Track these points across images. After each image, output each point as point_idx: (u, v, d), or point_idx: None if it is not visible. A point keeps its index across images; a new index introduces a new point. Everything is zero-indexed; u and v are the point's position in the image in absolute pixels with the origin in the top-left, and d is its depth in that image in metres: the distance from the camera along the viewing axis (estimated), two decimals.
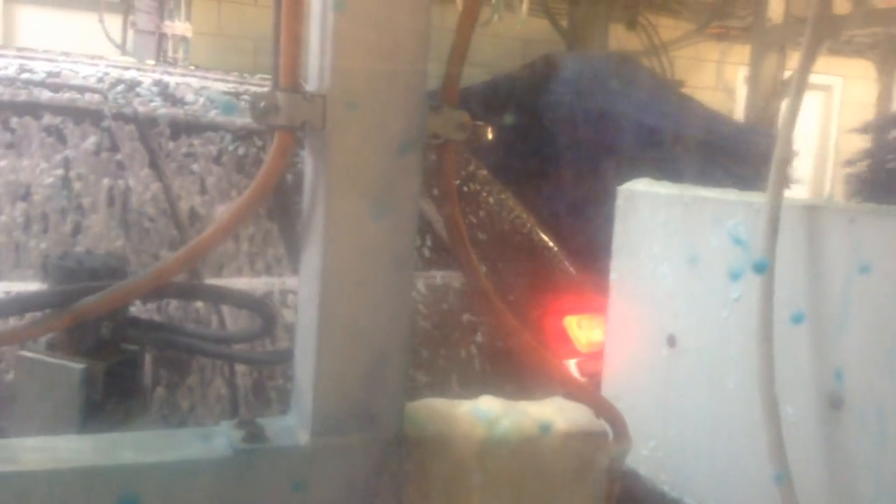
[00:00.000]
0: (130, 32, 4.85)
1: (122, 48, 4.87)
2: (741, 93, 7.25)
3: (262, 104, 1.08)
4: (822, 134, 8.01)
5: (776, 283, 1.52)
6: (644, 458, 1.92)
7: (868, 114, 7.79)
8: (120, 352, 1.60)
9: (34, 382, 1.54)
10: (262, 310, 1.56)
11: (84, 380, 1.50)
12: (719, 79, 7.47)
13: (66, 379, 1.51)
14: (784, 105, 1.56)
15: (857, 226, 1.45)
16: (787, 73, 6.66)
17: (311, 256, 1.16)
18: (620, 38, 6.81)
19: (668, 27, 7.02)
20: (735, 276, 1.70)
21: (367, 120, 1.10)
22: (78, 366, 1.49)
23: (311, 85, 1.12)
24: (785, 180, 1.53)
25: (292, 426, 1.16)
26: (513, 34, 6.41)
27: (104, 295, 1.14)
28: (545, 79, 4.64)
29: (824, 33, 1.63)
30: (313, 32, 1.12)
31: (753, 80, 6.72)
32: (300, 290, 1.21)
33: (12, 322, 1.37)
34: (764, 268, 1.38)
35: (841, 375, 1.46)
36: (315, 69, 1.12)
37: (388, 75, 1.10)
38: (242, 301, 1.61)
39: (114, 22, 4.99)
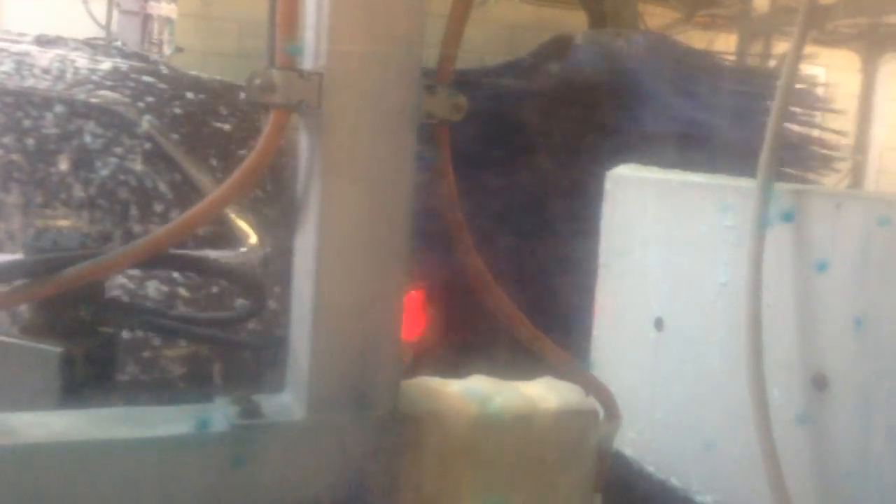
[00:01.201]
0: (115, 13, 4.80)
1: (106, 29, 4.82)
2: None
3: (258, 82, 1.08)
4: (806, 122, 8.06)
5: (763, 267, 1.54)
6: (631, 439, 1.94)
7: (850, 104, 7.84)
8: (97, 334, 1.58)
9: (9, 367, 1.52)
10: (253, 288, 1.56)
11: (62, 363, 1.47)
12: None
13: (43, 363, 1.48)
14: (775, 95, 1.57)
15: (843, 209, 1.47)
16: (772, 63, 6.70)
17: (306, 235, 1.16)
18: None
19: (655, 15, 7.04)
20: (722, 259, 1.72)
21: (362, 99, 1.11)
22: (56, 349, 1.46)
23: (307, 63, 1.12)
24: (775, 165, 1.55)
25: (288, 403, 1.17)
26: (500, 20, 6.41)
27: (89, 264, 1.12)
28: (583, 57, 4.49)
29: (815, 21, 1.64)
30: (309, 10, 1.12)
31: None
32: (295, 268, 1.21)
33: None
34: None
35: (825, 357, 1.49)
36: (311, 47, 1.12)
37: (383, 54, 1.11)
38: (232, 276, 1.60)
39: (99, 3, 4.94)
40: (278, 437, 1.12)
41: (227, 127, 2.68)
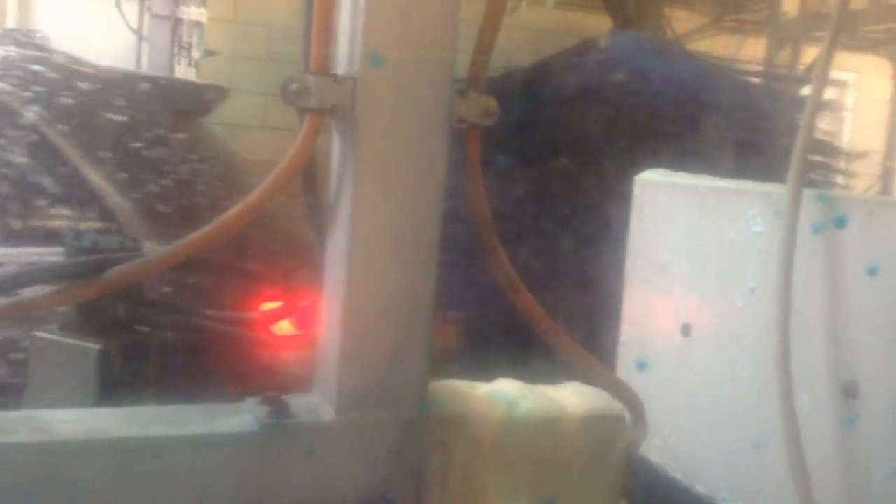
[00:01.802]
0: (146, 17, 4.87)
1: (138, 33, 4.89)
2: None
3: (294, 86, 1.09)
4: (837, 128, 7.99)
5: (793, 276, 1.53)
6: (657, 446, 1.93)
7: (882, 110, 7.75)
8: (133, 332, 1.61)
9: (48, 363, 1.55)
10: (285, 290, 1.57)
11: (100, 359, 1.50)
12: None
13: (81, 359, 1.52)
14: (806, 98, 1.56)
15: (875, 219, 1.46)
16: (801, 68, 6.64)
17: (338, 238, 1.17)
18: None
19: (682, 20, 6.99)
20: (751, 265, 1.71)
21: (395, 103, 1.12)
22: (94, 346, 1.50)
23: (341, 68, 1.14)
24: (805, 172, 1.54)
25: (316, 403, 1.18)
26: (527, 25, 6.40)
27: (132, 266, 1.15)
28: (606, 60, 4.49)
29: (844, 26, 1.63)
30: (344, 16, 1.14)
31: None
32: (325, 270, 1.22)
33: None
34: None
35: (856, 365, 1.48)
36: (345, 52, 1.13)
37: (416, 60, 1.12)
38: (265, 280, 1.63)
39: (131, 6, 5.01)
40: (307, 437, 1.13)
41: (121, 118, 2.52)
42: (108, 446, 1.05)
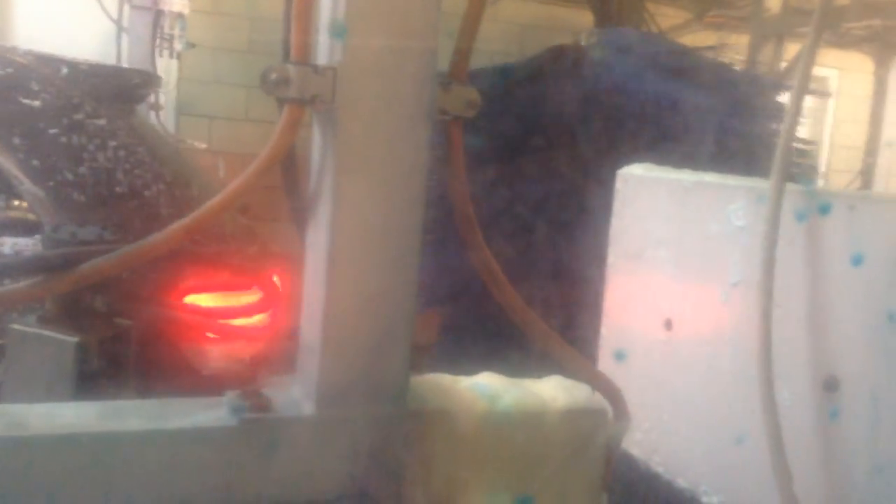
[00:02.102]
0: (127, 8, 4.81)
1: (118, 24, 4.83)
2: None
3: (274, 76, 1.08)
4: (818, 124, 8.04)
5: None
6: (638, 440, 1.93)
7: (863, 106, 7.81)
8: (112, 325, 1.60)
9: (27, 355, 1.54)
10: (263, 283, 1.56)
11: (78, 353, 1.49)
12: None
13: (59, 352, 1.51)
14: (789, 94, 1.56)
15: (856, 213, 1.47)
16: (783, 64, 6.67)
17: (319, 230, 1.16)
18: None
19: (666, 16, 7.01)
20: (733, 259, 1.71)
21: (376, 94, 1.11)
22: (72, 339, 1.49)
23: (321, 58, 1.13)
24: (789, 166, 1.54)
25: (297, 397, 1.17)
26: (511, 18, 6.40)
27: (108, 259, 1.13)
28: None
29: (829, 22, 1.64)
30: (324, 5, 1.12)
31: None
32: (306, 263, 1.21)
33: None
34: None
35: (836, 358, 1.48)
36: (326, 42, 1.12)
37: (398, 50, 1.11)
38: (243, 271, 1.61)
39: None
40: (287, 431, 1.12)
41: (36, 104, 2.41)
42: (84, 440, 1.04)
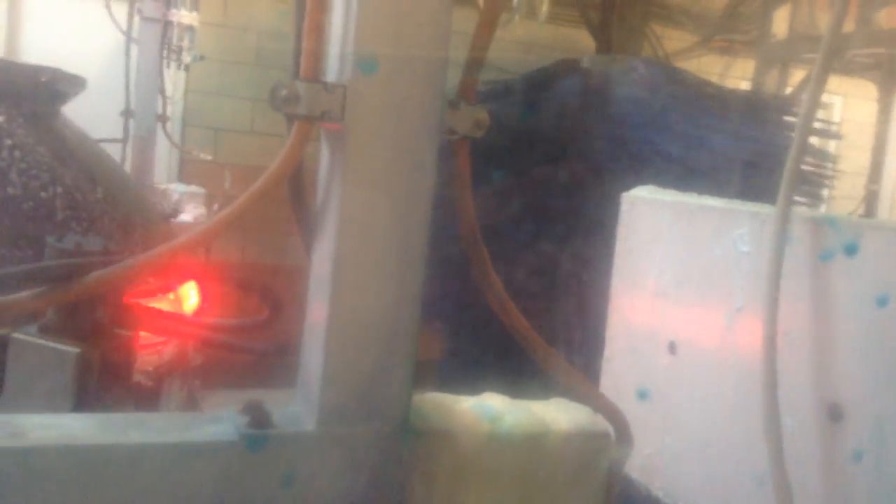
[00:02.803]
0: (136, 19, 4.84)
1: (127, 35, 4.85)
2: None
3: (284, 93, 1.08)
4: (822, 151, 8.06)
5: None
6: (639, 464, 1.92)
7: (867, 133, 7.83)
8: (113, 336, 1.59)
9: (27, 365, 1.53)
10: (269, 297, 1.56)
11: (79, 364, 1.48)
12: None
13: (60, 363, 1.50)
14: (796, 121, 1.56)
15: (864, 239, 1.46)
16: (789, 90, 6.69)
17: (324, 246, 1.16)
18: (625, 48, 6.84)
19: (672, 39, 7.04)
20: (738, 284, 1.71)
21: (385, 112, 1.11)
22: (73, 350, 1.48)
23: (331, 76, 1.13)
24: (793, 192, 1.54)
25: (298, 413, 1.16)
26: (520, 40, 6.43)
27: (112, 270, 1.13)
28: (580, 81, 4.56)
29: (838, 49, 1.63)
30: (335, 22, 1.13)
31: None
32: (310, 279, 1.21)
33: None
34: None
35: (840, 388, 1.47)
36: (335, 59, 1.12)
37: (408, 69, 1.11)
38: (246, 286, 1.61)
39: (120, 8, 4.98)
40: (287, 448, 1.11)
41: None
42: (83, 453, 1.03)
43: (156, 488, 1.05)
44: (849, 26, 6.28)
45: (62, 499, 1.02)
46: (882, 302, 1.41)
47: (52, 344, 1.51)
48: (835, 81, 7.40)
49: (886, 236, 1.44)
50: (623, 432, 1.30)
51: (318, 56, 1.10)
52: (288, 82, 1.09)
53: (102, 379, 1.56)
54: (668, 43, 6.99)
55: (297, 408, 1.18)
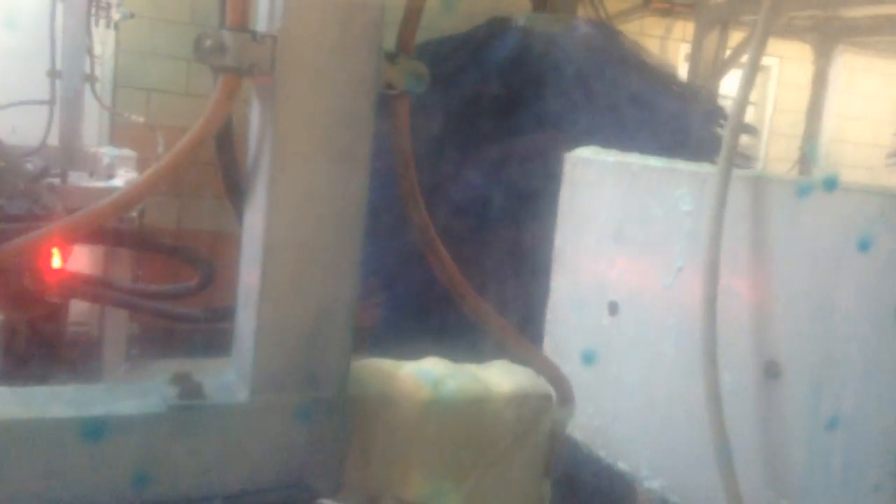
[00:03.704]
0: None
1: None
2: (683, 70, 7.33)
3: (208, 43, 1.02)
4: (759, 113, 8.18)
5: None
6: (582, 424, 1.93)
7: (802, 95, 7.97)
8: (43, 304, 1.53)
9: None
10: (198, 264, 1.50)
11: (4, 332, 1.43)
12: (662, 55, 7.54)
13: None
14: (738, 81, 1.55)
15: (803, 199, 1.47)
16: (727, 52, 6.75)
17: (256, 208, 1.11)
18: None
19: (613, 0, 7.03)
20: (679, 244, 1.71)
21: (318, 65, 1.05)
22: None
23: (260, 25, 1.07)
24: (735, 152, 1.54)
25: (231, 383, 1.12)
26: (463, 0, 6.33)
27: (26, 239, 1.06)
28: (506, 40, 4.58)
29: (779, 10, 1.63)
30: None
31: (695, 58, 6.81)
32: (243, 243, 1.16)
33: None
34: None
35: (778, 345, 1.49)
36: (265, 8, 1.06)
37: (342, 18, 1.05)
38: (177, 252, 1.55)
39: None
40: (220, 419, 1.07)
41: None
42: (2, 428, 0.97)
43: (80, 465, 1.00)
44: None
45: None
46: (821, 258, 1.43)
47: None
48: (772, 44, 7.49)
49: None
50: (565, 394, 1.29)
51: (245, 4, 1.04)
52: (213, 31, 1.03)
53: (30, 346, 1.50)
54: (610, 4, 6.98)
55: (230, 377, 1.14)
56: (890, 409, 1.30)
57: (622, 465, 1.86)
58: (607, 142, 2.05)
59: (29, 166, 2.67)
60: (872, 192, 1.36)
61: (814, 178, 1.48)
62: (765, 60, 7.86)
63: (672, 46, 7.60)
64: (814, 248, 1.43)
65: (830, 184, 1.40)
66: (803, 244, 1.45)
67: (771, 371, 1.50)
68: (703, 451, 1.52)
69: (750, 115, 8.18)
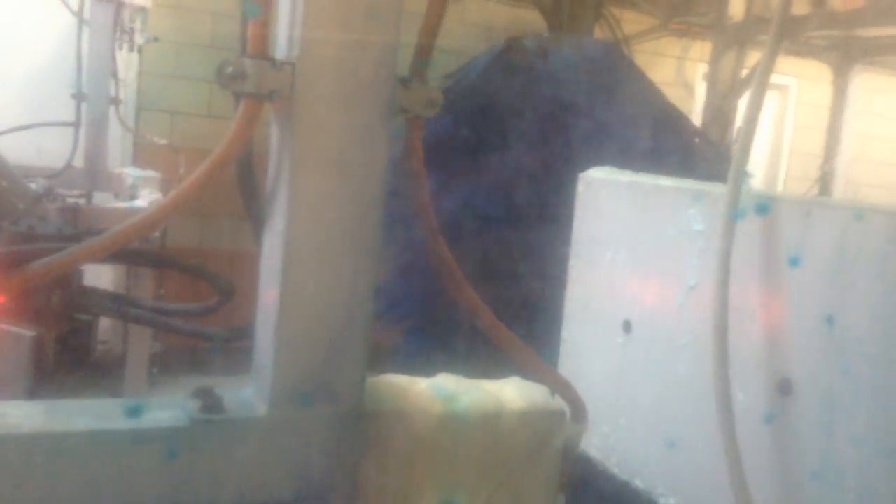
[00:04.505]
0: (88, 1, 4.71)
1: (79, 16, 4.73)
2: (700, 89, 7.35)
3: (230, 70, 1.06)
4: (777, 132, 8.17)
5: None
6: (597, 441, 1.94)
7: (821, 114, 7.96)
8: (71, 320, 1.57)
9: None
10: (218, 283, 1.54)
11: (34, 347, 1.47)
12: (679, 75, 7.56)
13: (16, 345, 1.49)
14: (746, 101, 1.58)
15: (811, 218, 1.48)
16: (745, 72, 6.77)
17: (275, 228, 1.14)
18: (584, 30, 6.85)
19: (631, 21, 7.07)
20: (691, 262, 1.72)
21: (335, 91, 1.09)
22: (29, 333, 1.47)
23: (280, 53, 1.11)
24: (744, 172, 1.56)
25: (251, 398, 1.15)
26: (476, 20, 6.40)
27: (56, 259, 1.10)
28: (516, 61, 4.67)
29: (786, 32, 1.65)
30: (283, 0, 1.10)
31: (712, 77, 6.82)
32: (262, 261, 1.19)
33: None
34: (798, 262, 1.39)
35: (791, 363, 1.50)
36: (284, 37, 1.10)
37: (358, 46, 1.09)
38: (198, 272, 1.59)
39: None
40: (239, 432, 1.10)
41: None
42: (27, 441, 1.01)
43: (103, 477, 1.03)
44: (804, 8, 6.36)
45: (7, 490, 0.99)
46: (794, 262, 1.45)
47: (7, 327, 1.50)
48: (790, 63, 7.50)
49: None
50: (578, 410, 1.31)
51: (265, 32, 1.08)
52: (234, 59, 1.07)
53: (60, 362, 1.54)
54: (627, 25, 7.02)
55: (249, 392, 1.17)
56: None
57: (638, 483, 1.86)
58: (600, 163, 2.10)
59: (33, 186, 2.73)
60: (882, 210, 1.37)
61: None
62: (783, 80, 7.86)
63: (689, 66, 7.61)
64: (822, 265, 1.44)
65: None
66: (812, 262, 1.46)
67: (783, 388, 1.51)
68: (717, 469, 1.53)
69: (770, 134, 8.17)
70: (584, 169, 2.06)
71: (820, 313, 1.45)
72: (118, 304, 1.68)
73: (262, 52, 1.07)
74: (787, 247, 1.52)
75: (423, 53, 1.20)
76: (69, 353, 1.59)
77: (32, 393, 1.48)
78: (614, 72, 4.74)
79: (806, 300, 1.48)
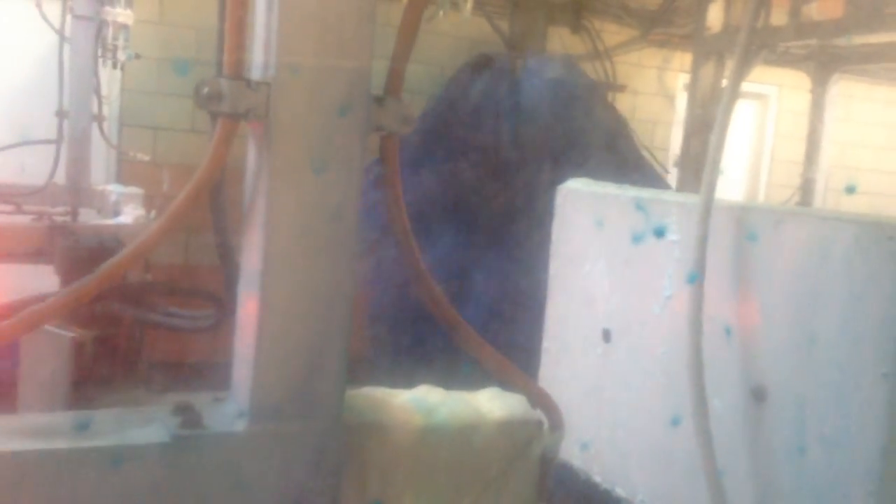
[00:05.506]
0: (69, 18, 4.72)
1: (60, 33, 4.74)
2: (681, 98, 7.40)
3: (206, 90, 1.08)
4: (758, 141, 8.24)
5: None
6: (577, 451, 1.96)
7: (801, 122, 8.03)
8: (109, 323, 1.63)
9: (33, 349, 1.60)
10: (212, 299, 1.57)
11: (73, 348, 1.54)
12: (660, 85, 7.63)
13: (57, 347, 1.56)
14: (718, 111, 1.61)
15: (782, 227, 1.51)
16: (724, 81, 6.83)
17: (252, 245, 1.16)
18: (565, 42, 6.90)
19: (611, 32, 7.11)
20: (667, 272, 1.75)
21: (310, 109, 1.11)
22: (68, 333, 1.54)
23: (255, 73, 1.13)
24: (715, 184, 1.58)
25: (230, 412, 1.16)
26: (458, 33, 6.44)
27: (102, 270, 1.10)
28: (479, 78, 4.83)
29: (757, 43, 1.68)
30: (258, 20, 1.12)
31: (693, 87, 6.88)
32: (241, 277, 1.21)
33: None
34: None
35: (765, 370, 1.52)
36: (260, 57, 1.12)
37: (332, 66, 1.11)
38: (193, 293, 1.62)
39: (53, 7, 4.86)
40: (220, 447, 1.11)
41: None
42: (8, 460, 1.02)
43: (85, 494, 1.04)
44: (782, 18, 6.43)
45: None
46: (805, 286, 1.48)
47: (49, 328, 1.55)
48: (770, 72, 7.57)
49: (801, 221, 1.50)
50: (555, 419, 1.33)
51: (240, 54, 1.10)
52: (211, 80, 1.09)
53: (102, 363, 1.59)
54: (606, 36, 7.07)
55: (229, 407, 1.18)
56: (871, 429, 1.34)
57: (619, 491, 1.88)
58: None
59: None
60: (848, 220, 1.41)
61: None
62: (764, 89, 7.94)
63: (670, 76, 7.68)
64: (792, 274, 1.47)
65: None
66: (784, 271, 1.49)
67: (758, 395, 1.53)
68: (697, 475, 1.55)
69: (751, 142, 8.24)
70: (537, 179, 2.09)
71: (792, 321, 1.48)
72: (141, 310, 1.71)
73: (238, 72, 1.09)
74: (759, 256, 1.54)
75: (397, 71, 1.22)
76: (114, 354, 1.64)
77: (73, 393, 1.54)
78: (570, 86, 4.94)
79: (778, 309, 1.50)
